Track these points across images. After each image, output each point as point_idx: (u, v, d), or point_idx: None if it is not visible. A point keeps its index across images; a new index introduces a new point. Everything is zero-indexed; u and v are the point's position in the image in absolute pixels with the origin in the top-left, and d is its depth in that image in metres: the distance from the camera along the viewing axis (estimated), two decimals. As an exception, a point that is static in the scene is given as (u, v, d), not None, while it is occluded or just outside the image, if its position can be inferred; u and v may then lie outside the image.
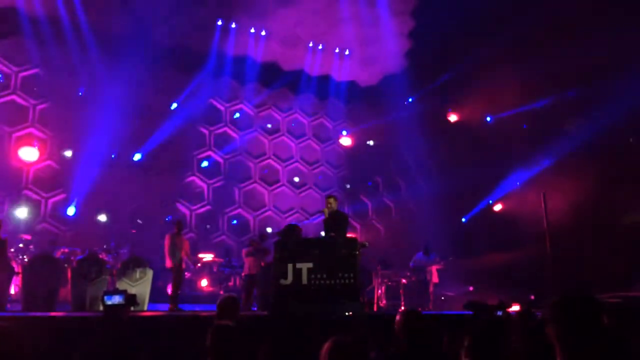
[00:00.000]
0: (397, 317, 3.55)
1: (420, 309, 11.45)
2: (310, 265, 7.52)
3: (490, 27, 15.27)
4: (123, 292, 7.89)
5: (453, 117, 20.07)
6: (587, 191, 16.87)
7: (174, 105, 16.25)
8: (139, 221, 14.90)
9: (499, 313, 7.94)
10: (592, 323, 1.93)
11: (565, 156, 17.93)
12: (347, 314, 7.19)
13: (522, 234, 17.04)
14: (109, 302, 7.59)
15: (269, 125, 18.19)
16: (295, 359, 6.00)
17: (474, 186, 18.15)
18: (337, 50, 17.89)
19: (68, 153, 14.70)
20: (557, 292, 2.17)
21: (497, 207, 19.27)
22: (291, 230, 8.84)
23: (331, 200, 8.86)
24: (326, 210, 8.63)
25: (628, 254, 16.89)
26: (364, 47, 17.72)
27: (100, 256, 10.82)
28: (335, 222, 8.70)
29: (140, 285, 10.09)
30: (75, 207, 14.06)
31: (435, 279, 13.14)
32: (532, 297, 15.27)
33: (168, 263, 10.67)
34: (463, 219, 19.03)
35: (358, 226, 17.96)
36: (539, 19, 14.63)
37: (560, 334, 1.97)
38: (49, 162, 14.42)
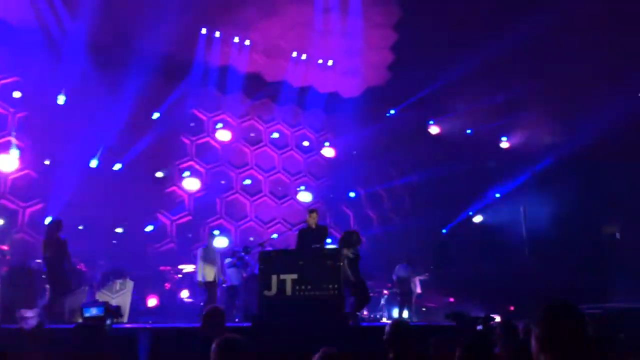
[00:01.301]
0: (387, 328, 3.57)
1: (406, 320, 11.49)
2: (294, 276, 7.53)
3: (472, 41, 15.50)
4: (102, 304, 7.80)
5: (434, 130, 20.30)
6: (565, 204, 17.17)
7: (156, 115, 16.15)
8: (118, 231, 14.71)
9: (479, 327, 8.02)
10: (578, 332, 1.95)
11: (544, 169, 18.26)
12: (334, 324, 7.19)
13: (501, 246, 17.24)
14: (87, 315, 7.50)
15: (252, 134, 18.18)
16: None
17: (455, 198, 18.34)
18: (320, 62, 17.98)
19: (47, 162, 14.48)
20: (536, 303, 2.18)
21: (477, 219, 19.49)
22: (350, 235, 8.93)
23: (314, 214, 9.04)
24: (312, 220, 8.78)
25: (605, 266, 17.19)
26: (346, 58, 17.84)
27: (79, 267, 10.67)
28: (319, 235, 8.82)
29: (121, 296, 9.97)
30: (54, 217, 13.83)
31: (417, 289, 13.21)
32: (512, 308, 15.43)
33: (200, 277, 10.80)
34: (444, 230, 19.19)
35: (339, 237, 17.95)
36: (521, 34, 14.90)
37: (546, 342, 1.98)
38: (27, 171, 14.19)
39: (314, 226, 9.07)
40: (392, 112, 19.92)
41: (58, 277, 8.78)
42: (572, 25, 15.30)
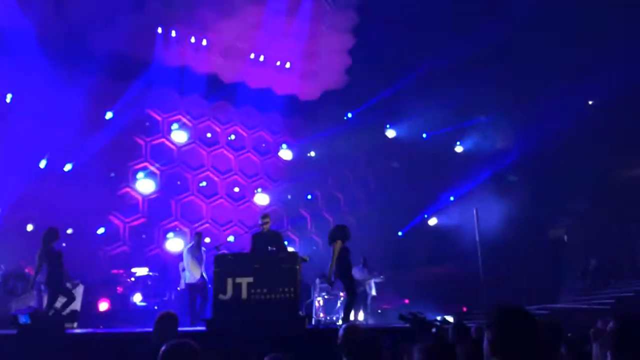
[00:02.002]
0: (340, 332, 3.57)
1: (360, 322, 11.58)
2: (250, 279, 7.47)
3: (429, 46, 15.82)
4: (29, 311, 7.48)
5: (391, 133, 20.56)
6: (516, 208, 17.68)
7: (109, 115, 15.77)
8: (68, 232, 14.25)
9: (433, 330, 8.14)
10: (529, 335, 2.00)
11: (497, 173, 18.76)
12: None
13: (455, 248, 17.59)
14: (23, 322, 7.19)
15: (209, 135, 17.97)
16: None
17: (410, 201, 18.61)
18: (278, 64, 17.94)
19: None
20: (488, 304, 2.23)
21: (432, 222, 19.84)
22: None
23: (267, 219, 9.11)
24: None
25: (554, 268, 17.80)
26: (304, 61, 17.88)
27: (27, 270, 10.29)
28: (273, 239, 8.86)
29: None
30: (0, 218, 13.31)
31: (373, 292, 13.31)
32: (465, 309, 15.78)
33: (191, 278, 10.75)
34: (400, 233, 19.44)
35: (297, 240, 17.97)
36: (477, 40, 15.29)
37: (498, 345, 2.02)
38: (-29, 171, 13.60)
39: (266, 231, 9.14)
40: (350, 115, 20.07)
41: (57, 288, 8.51)
42: (526, 31, 15.83)
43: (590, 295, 15.78)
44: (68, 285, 9.12)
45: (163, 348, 2.85)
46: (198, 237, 11.55)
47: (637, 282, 15.36)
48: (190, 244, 11.45)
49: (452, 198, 19.55)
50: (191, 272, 10.93)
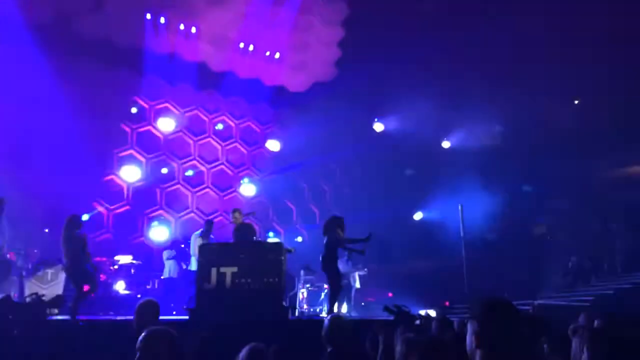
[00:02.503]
0: (325, 322, 3.59)
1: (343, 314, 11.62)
2: (234, 269, 7.46)
3: (419, 40, 15.81)
4: None
5: (379, 127, 20.59)
6: (500, 205, 17.84)
7: (96, 101, 15.57)
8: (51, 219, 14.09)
9: (417, 322, 8.17)
10: (513, 328, 2.02)
11: (482, 169, 18.87)
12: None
13: (439, 243, 17.70)
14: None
15: (196, 125, 17.85)
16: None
17: (397, 194, 18.68)
18: (267, 54, 17.84)
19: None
20: (474, 300, 2.23)
21: (417, 216, 19.94)
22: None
23: (236, 213, 9.20)
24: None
25: (535, 264, 17.99)
26: (294, 52, 17.82)
27: (9, 256, 10.17)
28: (248, 232, 8.92)
29: (53, 287, 9.59)
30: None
31: (357, 284, 13.36)
32: (447, 303, 15.91)
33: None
34: (384, 227, 19.49)
35: (282, 231, 17.96)
36: (465, 34, 15.35)
37: (483, 337, 2.03)
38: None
39: (237, 224, 9.26)
40: (338, 108, 20.02)
41: (81, 276, 8.36)
42: (513, 30, 15.90)
43: (570, 293, 15.99)
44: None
45: (142, 334, 2.86)
46: (209, 225, 11.34)
47: (617, 280, 15.59)
48: (200, 231, 11.32)
49: (437, 193, 19.64)
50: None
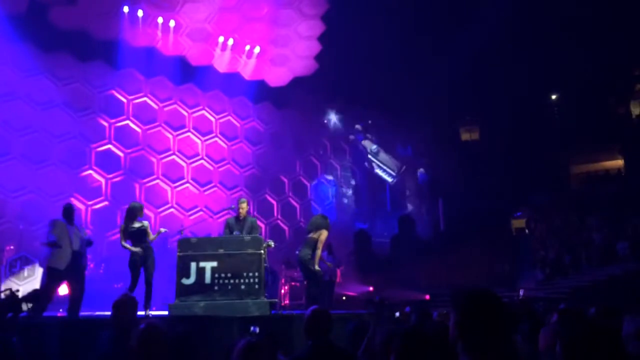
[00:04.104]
0: (306, 315, 3.58)
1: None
2: (214, 264, 7.40)
3: (399, 35, 15.86)
4: None
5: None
6: (480, 198, 18.03)
7: (72, 94, 15.32)
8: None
9: (397, 314, 8.21)
10: (496, 318, 2.00)
11: (461, 164, 19.05)
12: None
13: (419, 237, 17.84)
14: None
15: (175, 119, 17.65)
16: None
17: (377, 191, 18.76)
18: (247, 48, 17.71)
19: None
20: (455, 290, 2.22)
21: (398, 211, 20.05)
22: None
23: (244, 204, 8.88)
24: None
25: (514, 257, 18.22)
26: (274, 47, 17.72)
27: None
28: (247, 226, 8.71)
29: (29, 283, 9.43)
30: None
31: (338, 279, 13.37)
32: (427, 297, 16.05)
33: None
34: (365, 222, 19.57)
35: (263, 226, 17.89)
36: (444, 31, 15.43)
37: (465, 327, 2.01)
38: None
39: (242, 217, 8.87)
40: (318, 102, 20.02)
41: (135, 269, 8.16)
42: (494, 27, 16.03)
43: (547, 284, 16.23)
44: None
45: (137, 331, 2.85)
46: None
47: (593, 272, 15.86)
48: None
49: (419, 186, 19.78)
50: None
